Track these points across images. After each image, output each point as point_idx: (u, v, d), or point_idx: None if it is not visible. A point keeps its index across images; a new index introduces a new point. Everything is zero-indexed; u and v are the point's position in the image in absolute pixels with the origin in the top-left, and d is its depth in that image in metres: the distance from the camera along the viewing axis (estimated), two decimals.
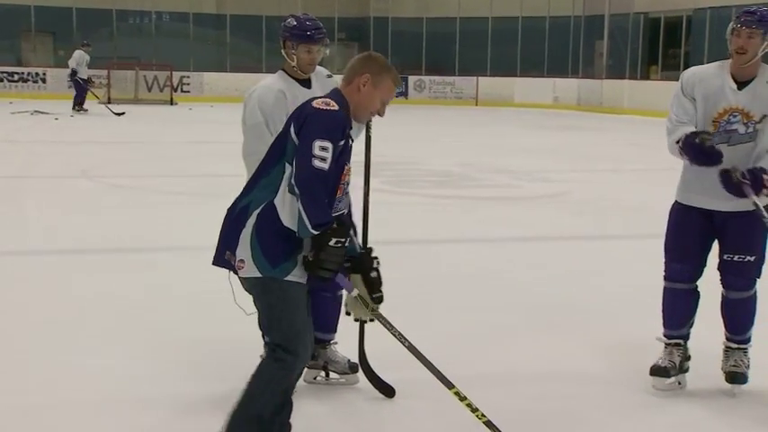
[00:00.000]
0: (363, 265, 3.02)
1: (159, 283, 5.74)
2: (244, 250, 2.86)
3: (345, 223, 2.89)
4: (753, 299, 3.88)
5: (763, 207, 3.71)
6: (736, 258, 3.82)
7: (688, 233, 3.87)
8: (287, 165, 2.84)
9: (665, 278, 3.97)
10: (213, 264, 3.01)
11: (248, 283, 2.92)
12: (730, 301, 3.89)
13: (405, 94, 32.57)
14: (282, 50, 3.84)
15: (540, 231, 7.68)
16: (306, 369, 3.98)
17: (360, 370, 3.91)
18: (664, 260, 3.97)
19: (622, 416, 3.67)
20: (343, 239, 2.80)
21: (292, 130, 2.87)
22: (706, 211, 3.83)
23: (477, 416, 3.01)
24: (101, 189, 10.02)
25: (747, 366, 3.88)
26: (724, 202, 3.77)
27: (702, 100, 3.77)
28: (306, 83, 3.85)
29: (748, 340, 3.91)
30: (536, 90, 27.65)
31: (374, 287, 3.01)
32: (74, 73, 20.08)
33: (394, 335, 3.05)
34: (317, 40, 3.80)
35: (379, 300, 3.03)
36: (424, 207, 8.95)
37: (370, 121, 3.98)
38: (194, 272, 6.01)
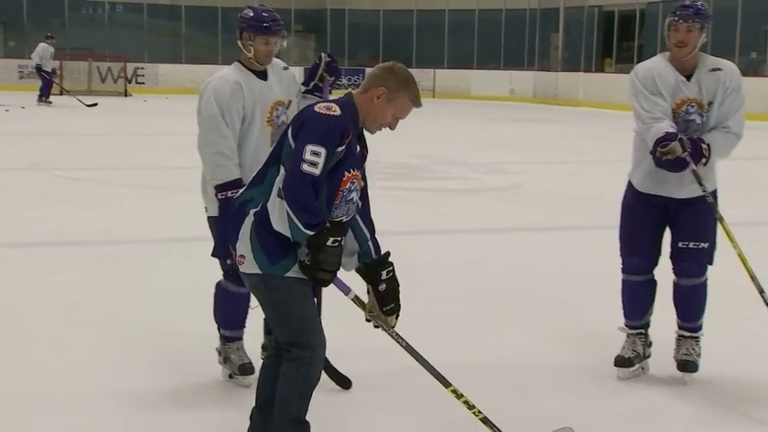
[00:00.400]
0: (372, 277, 3.02)
1: (119, 277, 5.68)
2: (244, 246, 2.86)
3: (341, 225, 2.87)
4: (704, 286, 3.96)
5: (710, 193, 3.83)
6: (691, 245, 3.89)
7: (644, 226, 3.94)
8: (282, 168, 2.84)
9: (624, 271, 4.02)
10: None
11: (250, 281, 2.92)
12: (683, 288, 3.96)
13: None
14: (239, 42, 3.81)
15: (496, 223, 7.74)
16: (261, 361, 3.98)
17: None
18: (620, 253, 4.02)
19: (580, 404, 3.71)
20: (340, 238, 2.79)
21: (290, 132, 2.85)
22: (661, 199, 3.89)
23: (473, 413, 3.01)
24: (52, 182, 9.87)
25: (698, 355, 3.95)
26: (679, 189, 3.84)
27: (665, 93, 3.82)
28: (262, 75, 3.83)
29: (700, 328, 3.99)
30: (492, 82, 27.79)
31: (385, 300, 3.00)
32: (39, 67, 19.78)
33: (400, 344, 3.01)
34: (275, 32, 3.78)
35: (391, 311, 3.02)
36: (382, 199, 8.90)
37: None
38: (155, 266, 5.99)
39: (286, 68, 3.95)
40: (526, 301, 5.21)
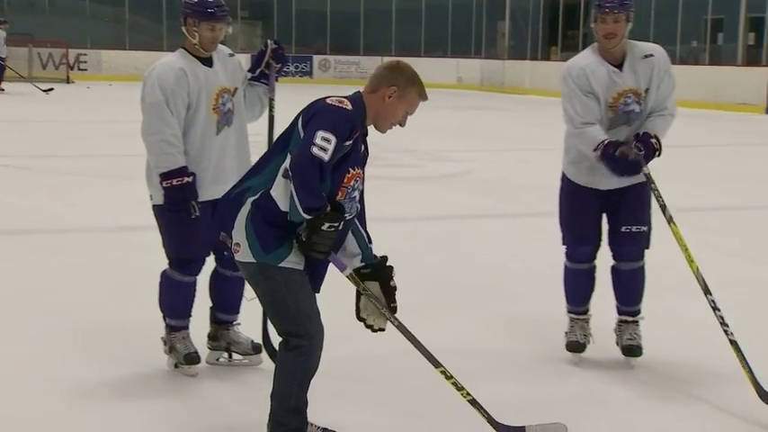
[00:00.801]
0: (382, 273, 3.03)
1: (61, 265, 5.60)
2: (239, 234, 2.87)
3: (340, 212, 2.86)
4: (644, 269, 4.03)
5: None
6: (633, 229, 3.95)
7: (588, 215, 3.98)
8: (289, 155, 2.83)
9: (569, 259, 4.07)
10: (210, 243, 3.05)
11: (246, 271, 2.92)
12: (625, 272, 4.02)
13: (310, 73, 32.39)
14: (183, 28, 3.76)
15: (443, 211, 7.78)
16: (208, 351, 3.96)
17: (263, 351, 3.91)
18: (564, 242, 4.06)
19: (523, 389, 3.75)
20: (336, 224, 2.79)
21: (300, 122, 2.86)
22: (604, 190, 3.94)
23: (462, 395, 3.03)
24: None
25: (641, 338, 4.03)
26: (619, 180, 3.90)
27: (599, 90, 3.84)
28: (207, 61, 3.78)
29: (639, 312, 4.06)
30: (439, 70, 27.84)
31: (391, 296, 3.03)
32: None
33: (408, 339, 3.02)
34: (220, 18, 3.74)
35: (395, 309, 3.03)
36: None
37: (273, 99, 3.98)
38: (99, 254, 5.91)
39: (232, 55, 3.91)
40: (473, 289, 5.25)
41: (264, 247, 2.82)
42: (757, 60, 21.66)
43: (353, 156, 2.89)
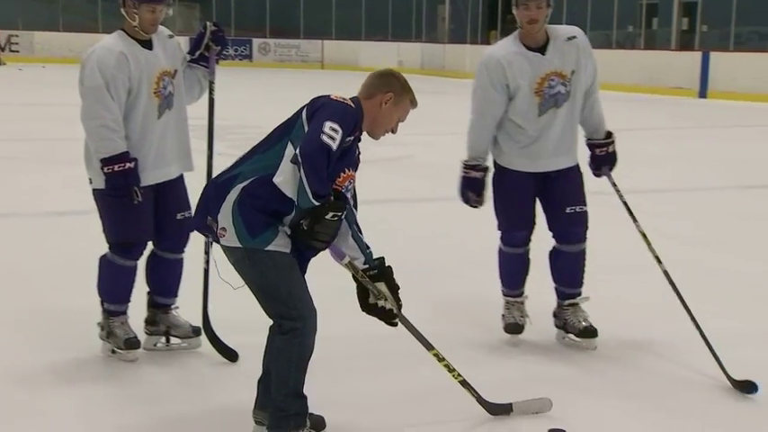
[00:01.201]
0: (386, 273, 3.07)
1: None
2: (225, 219, 2.85)
3: (343, 201, 2.90)
4: (585, 250, 4.08)
5: (575, 166, 4.01)
6: (577, 209, 4.00)
7: (524, 200, 4.02)
8: (290, 143, 2.84)
9: (504, 243, 4.10)
10: (194, 228, 3.02)
11: (233, 257, 2.90)
12: (569, 254, 4.06)
13: (249, 56, 32.07)
14: (122, 9, 3.70)
15: (384, 194, 7.79)
16: (146, 336, 3.93)
17: (202, 334, 3.89)
18: (500, 227, 4.09)
19: (466, 371, 3.77)
20: (339, 213, 2.82)
21: (304, 114, 2.89)
22: (540, 174, 3.98)
23: (453, 376, 3.09)
24: None
25: (589, 317, 4.07)
26: (555, 160, 3.95)
27: (520, 79, 3.87)
28: (147, 44, 3.73)
29: (581, 293, 4.11)
30: (381, 54, 27.83)
31: (396, 294, 3.08)
32: None
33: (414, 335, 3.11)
34: (160, 0, 3.68)
35: (401, 306, 3.10)
36: None
37: (213, 83, 3.94)
38: (33, 240, 5.80)
39: (171, 36, 3.86)
40: (410, 271, 5.23)
41: (251, 231, 2.82)
42: (690, 45, 22.09)
43: (349, 156, 2.95)
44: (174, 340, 3.96)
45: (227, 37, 4.03)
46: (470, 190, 3.98)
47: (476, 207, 4.04)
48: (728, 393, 3.56)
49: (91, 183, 3.75)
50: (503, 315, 4.15)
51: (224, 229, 2.86)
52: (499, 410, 3.25)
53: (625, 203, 4.03)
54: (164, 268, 3.90)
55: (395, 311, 3.03)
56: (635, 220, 4.01)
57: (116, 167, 3.57)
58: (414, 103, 3.09)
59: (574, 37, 3.93)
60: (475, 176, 3.97)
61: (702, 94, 19.75)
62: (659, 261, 3.93)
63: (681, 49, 22.18)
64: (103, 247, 3.78)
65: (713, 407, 3.47)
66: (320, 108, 2.87)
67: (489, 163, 4.03)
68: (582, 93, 3.97)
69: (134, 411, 3.36)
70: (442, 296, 4.78)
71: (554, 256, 4.10)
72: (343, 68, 27.31)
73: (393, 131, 3.10)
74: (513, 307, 4.14)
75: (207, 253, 3.78)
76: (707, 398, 3.54)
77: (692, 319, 3.81)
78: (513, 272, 4.14)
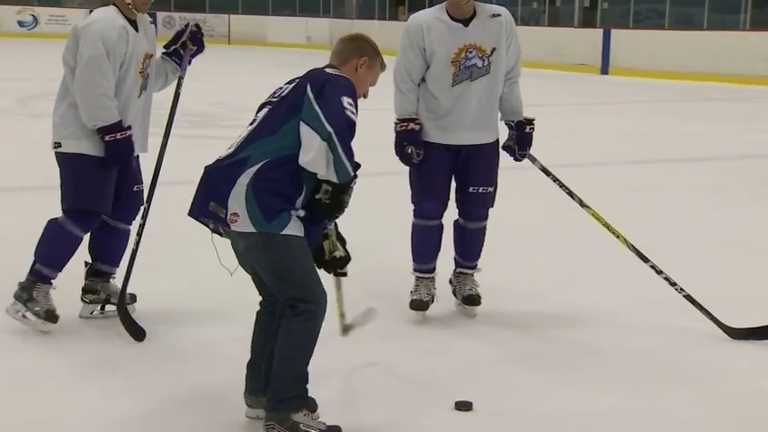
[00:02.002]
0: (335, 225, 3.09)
1: None
2: (238, 204, 2.77)
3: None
4: (486, 227, 4.18)
5: (494, 142, 4.07)
6: (480, 190, 4.07)
7: (438, 172, 4.05)
8: (302, 123, 2.79)
9: (417, 216, 4.13)
10: (190, 215, 2.89)
11: (245, 242, 2.81)
12: (470, 230, 4.16)
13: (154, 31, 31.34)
14: None
15: None
16: (83, 304, 3.98)
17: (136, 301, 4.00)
18: (413, 199, 4.13)
19: (381, 345, 3.84)
20: (356, 180, 2.88)
21: (310, 92, 2.84)
22: (453, 146, 4.02)
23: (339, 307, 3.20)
24: None
25: (479, 288, 4.18)
26: (472, 135, 4.00)
27: (437, 45, 3.92)
28: (133, 24, 3.82)
29: (476, 265, 4.22)
30: (289, 29, 27.64)
31: (344, 243, 3.11)
32: None
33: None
34: None
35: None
36: (180, 147, 8.73)
37: (182, 78, 4.10)
38: None
39: (151, 22, 3.99)
40: None
41: (266, 215, 2.76)
42: (592, 22, 22.60)
43: None
44: (108, 307, 4.00)
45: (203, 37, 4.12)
46: (410, 142, 3.95)
47: (416, 162, 3.98)
48: (630, 355, 3.71)
49: (59, 147, 3.80)
50: (411, 291, 4.18)
51: (236, 214, 2.77)
52: (347, 329, 3.30)
53: (560, 182, 4.10)
54: (114, 237, 3.98)
55: (348, 257, 3.07)
56: (572, 195, 4.08)
57: (118, 135, 3.70)
58: (383, 66, 3.15)
59: (499, 15, 3.99)
60: (413, 128, 3.95)
61: (604, 70, 20.24)
62: (617, 235, 4.03)
63: (583, 26, 22.67)
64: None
65: (619, 369, 3.58)
66: (327, 84, 2.87)
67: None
68: (503, 72, 4.01)
69: (88, 379, 3.39)
70: (358, 271, 4.76)
71: (456, 228, 4.19)
72: (250, 44, 27.00)
73: (365, 96, 3.13)
74: (422, 284, 4.16)
75: (139, 235, 3.87)
76: (613, 361, 3.67)
77: (672, 283, 3.96)
78: (423, 245, 4.15)
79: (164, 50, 4.03)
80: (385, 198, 6.37)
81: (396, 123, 4.01)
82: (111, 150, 3.72)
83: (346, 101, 2.84)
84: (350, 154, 2.82)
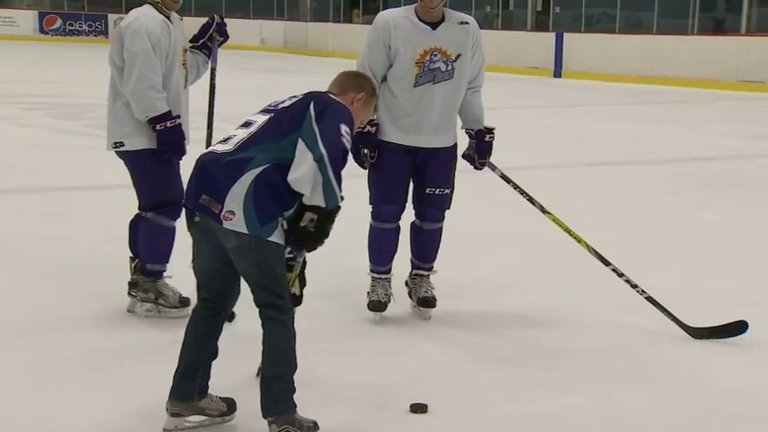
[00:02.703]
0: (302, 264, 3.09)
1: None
2: (235, 203, 2.76)
3: None
4: (442, 229, 4.19)
5: (452, 146, 4.08)
6: (437, 192, 4.08)
7: (396, 174, 4.05)
8: (300, 141, 2.82)
9: (374, 218, 4.14)
10: (185, 205, 2.87)
11: (237, 241, 2.79)
12: (425, 231, 4.17)
13: (104, 32, 30.96)
14: None
15: None
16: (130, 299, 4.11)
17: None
18: (371, 201, 4.12)
19: (330, 346, 3.83)
20: (338, 212, 2.89)
21: (312, 113, 2.87)
22: (411, 148, 4.02)
23: None
24: None
25: (434, 290, 4.19)
26: (432, 138, 4.01)
27: (402, 44, 3.93)
28: (168, 20, 4.00)
29: (432, 267, 4.23)
30: (243, 31, 27.39)
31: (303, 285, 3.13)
32: None
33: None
34: None
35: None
36: None
37: (215, 69, 4.28)
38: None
39: (181, 19, 4.16)
40: None
41: (261, 220, 2.77)
42: (545, 26, 22.80)
43: None
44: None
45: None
46: (365, 145, 3.95)
47: (366, 167, 4.01)
48: (583, 355, 3.75)
49: (122, 146, 3.94)
50: (368, 293, 4.19)
51: (232, 212, 2.76)
52: None
53: (520, 189, 4.12)
54: (156, 234, 4.07)
55: (300, 301, 3.09)
56: (533, 201, 4.11)
57: (168, 123, 3.87)
58: (376, 109, 3.26)
59: (467, 23, 4.02)
60: (368, 130, 3.94)
61: (557, 73, 20.44)
62: (578, 240, 4.08)
63: (537, 30, 22.87)
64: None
65: (572, 369, 3.61)
66: (328, 109, 2.91)
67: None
68: (466, 79, 4.03)
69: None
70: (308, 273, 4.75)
71: (413, 229, 4.20)
72: None
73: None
74: (379, 284, 4.17)
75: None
76: (566, 361, 3.70)
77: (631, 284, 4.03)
78: (380, 247, 4.16)
79: (191, 44, 4.21)
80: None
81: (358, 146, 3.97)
82: (163, 139, 3.88)
83: (344, 129, 2.88)
84: (339, 180, 2.84)
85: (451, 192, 4.14)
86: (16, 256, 5.11)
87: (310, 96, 2.97)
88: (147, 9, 3.96)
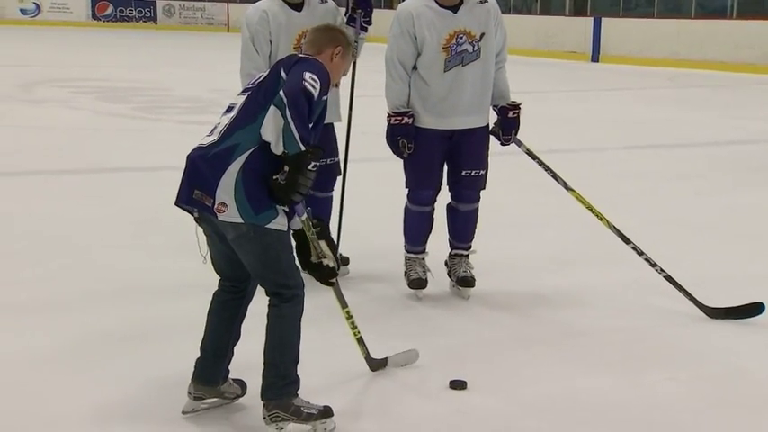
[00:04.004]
0: (326, 231, 2.95)
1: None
2: (226, 194, 2.68)
3: (320, 151, 2.78)
4: (478, 209, 4.19)
5: (485, 126, 4.08)
6: (473, 174, 4.07)
7: (432, 160, 4.05)
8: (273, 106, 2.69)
9: (411, 202, 4.14)
10: (177, 204, 2.80)
11: (235, 232, 2.73)
12: (463, 213, 4.17)
13: (154, 19, 31.19)
14: None
15: None
16: None
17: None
18: (408, 185, 4.12)
19: (371, 326, 3.84)
20: (318, 162, 2.71)
21: (282, 72, 2.81)
22: (447, 131, 4.01)
23: (354, 333, 3.17)
24: None
25: (473, 270, 4.20)
26: (465, 119, 4.00)
27: (428, 32, 3.92)
28: (297, 7, 4.17)
29: (471, 247, 4.24)
30: None
31: (335, 251, 2.95)
32: None
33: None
34: None
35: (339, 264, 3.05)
36: (174, 133, 8.75)
37: (356, 42, 4.18)
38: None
39: (324, 2, 4.26)
40: None
41: (255, 208, 2.69)
42: (583, 11, 22.53)
43: (321, 120, 2.89)
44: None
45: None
46: (403, 137, 3.96)
47: (405, 156, 4.01)
48: (615, 335, 3.74)
49: None
50: (405, 272, 4.22)
51: (224, 204, 2.68)
52: (377, 366, 3.29)
53: (545, 166, 4.09)
54: (315, 205, 4.17)
55: (336, 270, 2.97)
56: (557, 178, 4.08)
57: None
58: (354, 56, 3.14)
59: (486, 1, 3.99)
60: (407, 122, 3.96)
61: (595, 58, 20.21)
62: (600, 218, 4.06)
63: (575, 15, 22.61)
64: None
65: (604, 349, 3.60)
66: (297, 63, 2.83)
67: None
68: (493, 57, 4.02)
69: None
70: (352, 253, 4.78)
71: (449, 211, 4.21)
72: None
73: (337, 85, 3.16)
74: (415, 263, 4.20)
75: (341, 202, 4.44)
76: (598, 342, 3.69)
77: (653, 264, 4.01)
78: (418, 229, 4.19)
79: (345, 19, 4.28)
80: (377, 184, 6.38)
81: (389, 116, 4.00)
82: None
83: (308, 75, 2.73)
84: (302, 124, 2.67)
85: (486, 172, 4.13)
86: (64, 238, 5.20)
87: (280, 62, 2.90)
88: (263, 1, 4.18)
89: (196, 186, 2.73)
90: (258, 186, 2.69)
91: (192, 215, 2.82)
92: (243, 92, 2.92)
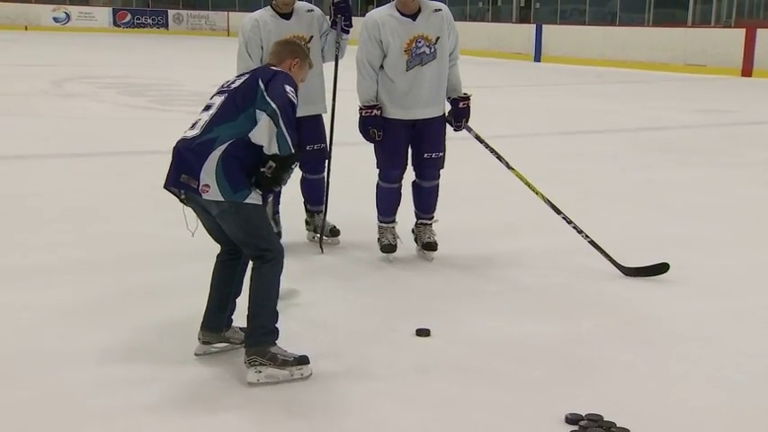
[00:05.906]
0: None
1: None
2: (209, 176, 2.70)
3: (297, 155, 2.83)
4: (438, 185, 4.18)
5: (442, 116, 4.05)
6: (433, 155, 4.06)
7: (398, 144, 4.03)
8: (257, 111, 2.73)
9: (381, 180, 4.13)
10: (165, 187, 2.78)
11: (218, 208, 2.75)
12: (426, 188, 4.16)
13: (165, 25, 30.74)
14: None
15: None
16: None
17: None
18: (379, 166, 4.11)
19: (348, 283, 3.83)
20: (296, 163, 2.82)
21: (261, 83, 2.79)
22: (410, 121, 4.00)
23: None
24: None
25: (435, 236, 4.20)
26: (425, 110, 3.98)
27: (391, 37, 3.89)
28: (286, 16, 4.07)
29: (433, 217, 4.23)
30: None
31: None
32: None
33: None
34: None
35: None
36: (184, 122, 8.62)
37: (338, 43, 4.16)
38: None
39: (310, 10, 4.15)
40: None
41: (233, 187, 2.71)
42: (527, 19, 22.53)
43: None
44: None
45: (346, 10, 4.21)
46: (373, 126, 3.95)
47: (377, 141, 4.00)
48: (553, 289, 3.75)
49: None
50: (378, 239, 4.20)
51: (207, 185, 2.70)
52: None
53: (491, 149, 4.08)
54: (311, 185, 4.36)
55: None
56: (500, 159, 4.08)
57: None
58: (311, 66, 3.12)
59: (440, 10, 3.98)
60: (375, 113, 3.95)
61: (537, 58, 20.21)
62: (536, 192, 4.07)
63: (520, 22, 22.59)
64: None
65: (544, 301, 3.61)
66: (274, 77, 2.83)
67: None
68: (447, 57, 3.99)
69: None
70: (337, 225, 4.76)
71: (414, 187, 4.19)
72: None
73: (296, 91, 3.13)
74: (387, 231, 4.19)
75: (327, 182, 4.32)
76: (540, 295, 3.70)
77: (578, 230, 4.02)
78: (388, 203, 4.17)
79: (330, 25, 4.19)
80: (359, 164, 6.33)
81: (360, 109, 3.99)
82: None
83: (288, 88, 2.81)
84: (292, 131, 2.74)
85: (444, 154, 4.12)
86: (92, 210, 5.13)
87: (257, 73, 2.90)
88: (258, 11, 4.10)
89: (183, 171, 2.75)
90: (235, 170, 2.72)
91: (179, 197, 2.81)
92: (218, 93, 2.91)
